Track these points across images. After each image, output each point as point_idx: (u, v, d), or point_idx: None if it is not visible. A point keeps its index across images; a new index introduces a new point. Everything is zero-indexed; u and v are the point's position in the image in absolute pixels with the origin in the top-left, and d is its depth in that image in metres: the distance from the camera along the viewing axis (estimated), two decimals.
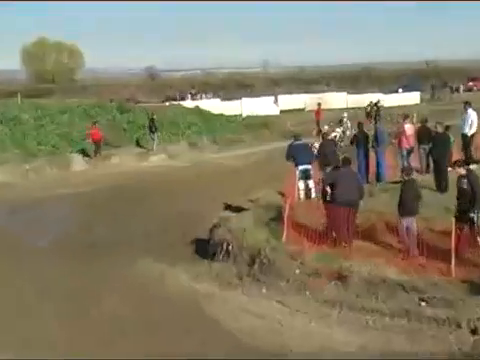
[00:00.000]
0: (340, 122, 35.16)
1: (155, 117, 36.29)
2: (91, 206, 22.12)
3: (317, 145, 22.07)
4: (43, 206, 22.55)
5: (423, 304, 12.00)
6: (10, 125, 33.85)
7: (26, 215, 21.42)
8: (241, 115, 50.57)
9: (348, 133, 32.60)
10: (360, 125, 21.91)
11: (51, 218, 21.78)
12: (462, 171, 13.99)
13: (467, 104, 21.81)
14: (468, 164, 14.86)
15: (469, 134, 21.19)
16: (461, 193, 13.85)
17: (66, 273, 15.47)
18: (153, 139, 35.36)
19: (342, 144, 29.78)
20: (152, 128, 35.55)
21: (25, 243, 18.31)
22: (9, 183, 26.70)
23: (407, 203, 14.02)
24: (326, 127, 27.80)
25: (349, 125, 34.33)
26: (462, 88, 71.07)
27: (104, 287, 14.47)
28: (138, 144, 36.33)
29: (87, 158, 32.44)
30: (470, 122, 21.24)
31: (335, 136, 31.23)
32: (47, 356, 11.10)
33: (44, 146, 32.83)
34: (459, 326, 11.16)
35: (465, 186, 13.78)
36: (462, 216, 13.61)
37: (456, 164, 14.59)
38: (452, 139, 19.88)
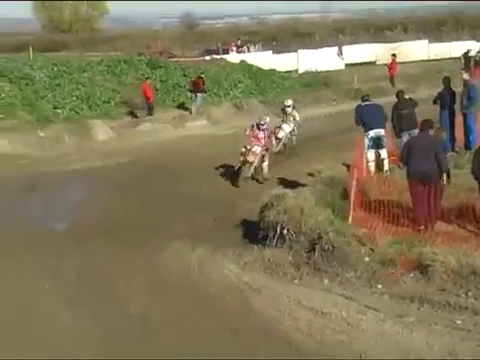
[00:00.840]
0: (283, 112, 26.80)
1: (203, 76, 37.12)
2: (115, 184, 22.02)
3: None
4: (60, 184, 22.64)
5: None
6: (20, 85, 33.88)
7: (40, 195, 21.44)
8: (297, 71, 50.38)
9: (295, 129, 26.52)
10: (446, 80, 21.62)
11: (69, 198, 21.89)
12: None
13: None
14: None
15: None
16: None
17: (85, 262, 15.63)
18: (195, 101, 35.54)
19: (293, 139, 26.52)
20: (196, 88, 36.15)
21: (38, 228, 18.37)
22: (20, 154, 26.76)
23: None
24: (267, 119, 23.67)
25: (297, 117, 26.56)
26: None
27: (127, 282, 14.49)
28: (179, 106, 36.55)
29: (112, 124, 32.38)
30: None
31: (280, 138, 25.66)
32: None
33: (61, 110, 33.01)
34: None
35: None
36: None
37: None
38: None
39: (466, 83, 21.29)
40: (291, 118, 26.17)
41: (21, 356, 11.20)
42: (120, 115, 33.96)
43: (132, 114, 34.87)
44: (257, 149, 21.97)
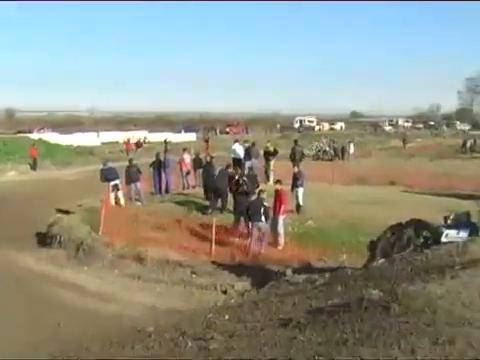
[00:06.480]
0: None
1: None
2: None
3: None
4: None
5: (194, 276, 12.21)
6: None
7: None
8: (72, 145, 48.25)
9: None
10: (157, 154, 21.82)
11: None
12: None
13: (236, 141, 23.68)
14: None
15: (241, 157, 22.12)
16: None
17: None
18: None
19: None
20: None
21: None
22: None
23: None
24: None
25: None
26: (218, 131, 74.90)
27: None
28: None
29: None
30: (239, 150, 22.45)
31: None
32: None
33: None
34: (215, 289, 11.50)
35: None
36: None
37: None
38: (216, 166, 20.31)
39: (164, 156, 21.66)
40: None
41: None
42: None
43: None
44: None
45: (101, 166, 20.00)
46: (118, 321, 9.91)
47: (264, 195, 13.97)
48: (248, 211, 13.75)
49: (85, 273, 13.05)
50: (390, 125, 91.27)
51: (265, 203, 13.73)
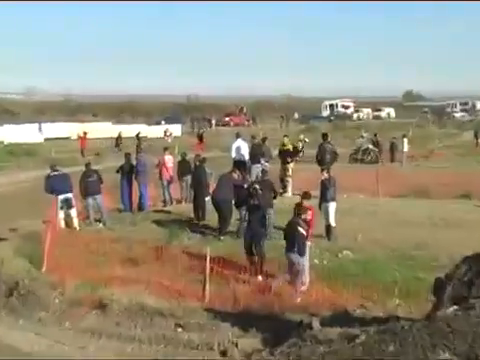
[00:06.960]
0: None
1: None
2: None
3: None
4: None
5: (179, 330, 12.14)
6: None
7: None
8: (3, 142, 48.45)
9: None
10: (127, 155, 21.88)
11: None
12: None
13: (238, 136, 23.46)
14: None
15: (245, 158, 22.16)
16: None
17: None
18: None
19: None
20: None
21: None
22: None
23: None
24: None
25: None
26: (214, 123, 74.60)
27: None
28: None
29: None
30: (244, 149, 22.49)
31: None
32: None
33: None
34: (211, 349, 11.41)
35: None
36: None
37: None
38: (209, 171, 20.25)
39: (136, 158, 21.76)
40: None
41: None
42: None
43: None
44: None
45: (47, 172, 20.01)
46: None
47: (307, 214, 13.46)
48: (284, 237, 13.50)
49: (20, 329, 12.85)
50: (463, 111, 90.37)
51: (300, 228, 13.11)
